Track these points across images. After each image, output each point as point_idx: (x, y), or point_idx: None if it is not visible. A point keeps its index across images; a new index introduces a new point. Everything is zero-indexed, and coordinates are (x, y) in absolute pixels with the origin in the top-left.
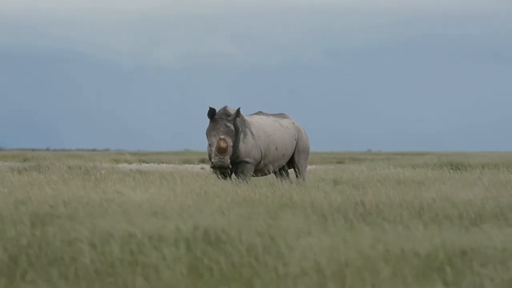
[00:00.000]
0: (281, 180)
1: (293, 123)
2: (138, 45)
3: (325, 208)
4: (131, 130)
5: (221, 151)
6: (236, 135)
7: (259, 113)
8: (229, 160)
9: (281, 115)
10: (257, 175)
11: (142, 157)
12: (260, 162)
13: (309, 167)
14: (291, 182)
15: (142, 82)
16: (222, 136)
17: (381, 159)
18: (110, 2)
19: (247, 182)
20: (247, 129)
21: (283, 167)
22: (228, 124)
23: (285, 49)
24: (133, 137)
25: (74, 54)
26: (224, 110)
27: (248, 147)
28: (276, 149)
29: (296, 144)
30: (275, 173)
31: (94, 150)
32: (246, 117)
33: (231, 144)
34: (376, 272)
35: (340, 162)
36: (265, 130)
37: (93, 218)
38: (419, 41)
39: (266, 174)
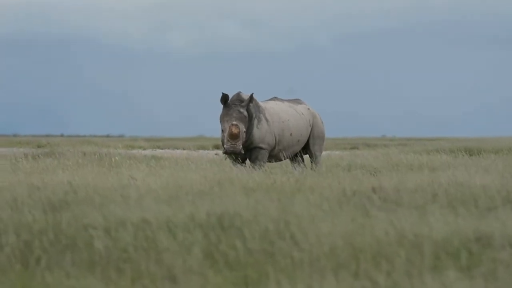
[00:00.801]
0: (296, 166)
1: (308, 108)
2: (150, 29)
3: (340, 193)
4: (145, 116)
5: (233, 136)
6: (249, 121)
7: (274, 98)
8: (241, 146)
9: (296, 101)
10: (271, 161)
11: (156, 143)
12: (274, 148)
13: (323, 153)
14: (305, 168)
15: (155, 67)
16: (234, 122)
17: (395, 145)
18: None
19: (261, 168)
20: (261, 115)
21: (298, 153)
22: (241, 110)
23: (297, 34)
24: (147, 123)
25: (86, 39)
26: (238, 96)
27: (262, 132)
28: (291, 135)
29: (311, 130)
30: (290, 159)
31: (108, 136)
32: (260, 103)
33: (244, 130)
34: (390, 257)
35: (354, 148)
36: (279, 115)
37: (107, 204)
38: (431, 25)
39: (280, 160)
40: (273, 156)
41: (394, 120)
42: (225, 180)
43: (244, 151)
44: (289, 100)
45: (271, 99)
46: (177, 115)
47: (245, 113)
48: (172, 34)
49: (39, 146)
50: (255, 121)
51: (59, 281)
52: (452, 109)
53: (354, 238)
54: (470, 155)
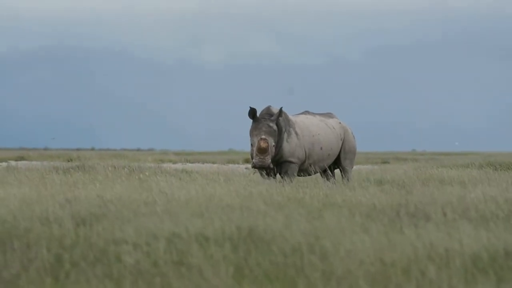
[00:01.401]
0: (326, 180)
1: (340, 123)
2: (181, 43)
3: (370, 208)
4: (175, 129)
5: (261, 151)
6: (279, 134)
7: (306, 112)
8: (270, 160)
9: (328, 115)
10: (301, 175)
11: (186, 156)
12: (304, 162)
13: (354, 167)
14: (335, 183)
15: (186, 81)
16: (263, 136)
17: (425, 159)
18: (153, 1)
19: (291, 182)
20: (291, 129)
21: (329, 167)
22: (271, 124)
23: (329, 47)
24: (177, 137)
25: (118, 53)
26: (268, 110)
27: (292, 146)
28: (321, 149)
29: (342, 144)
30: (320, 173)
31: (138, 149)
32: (291, 117)
33: (273, 144)
34: (421, 272)
35: (385, 162)
36: (310, 129)
37: (138, 218)
38: (462, 37)
39: (310, 174)
40: (303, 170)
41: (425, 133)
42: (255, 194)
43: (274, 165)
44: (320, 114)
45: (302, 113)
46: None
47: (275, 127)
48: (203, 48)
49: (69, 160)
50: (285, 135)
51: None
52: (484, 122)
53: (384, 253)
54: (501, 169)
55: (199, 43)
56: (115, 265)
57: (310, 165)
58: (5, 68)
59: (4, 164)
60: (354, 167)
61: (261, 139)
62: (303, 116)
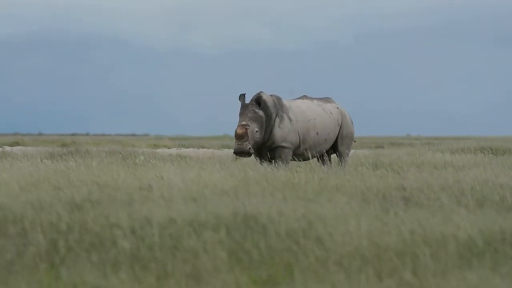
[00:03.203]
0: (323, 165)
1: (337, 107)
2: (173, 30)
3: (365, 192)
4: (169, 115)
5: (238, 137)
6: (268, 120)
7: (303, 97)
8: (249, 146)
9: (326, 99)
10: (298, 160)
11: (181, 142)
12: (299, 146)
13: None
14: (331, 167)
15: (179, 67)
16: (243, 122)
17: (420, 144)
18: None
19: (286, 166)
20: (284, 114)
21: (326, 152)
22: (257, 110)
23: (320, 33)
24: (172, 122)
25: (112, 40)
26: (257, 96)
27: (285, 132)
28: (317, 134)
29: (340, 129)
30: (317, 158)
31: (133, 135)
32: (285, 102)
33: (256, 130)
34: (416, 256)
35: (379, 146)
36: (305, 114)
37: (133, 203)
38: (455, 23)
39: (307, 159)
40: (299, 155)
41: (419, 118)
42: (250, 179)
43: (267, 150)
44: (318, 99)
45: (299, 98)
46: (202, 114)
47: (261, 113)
48: (194, 34)
49: (64, 145)
50: (277, 121)
51: (85, 280)
52: (477, 107)
53: (379, 237)
54: (496, 154)
55: (189, 30)
56: (110, 250)
57: (306, 150)
58: (3, 54)
59: None
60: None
61: (240, 125)
62: (300, 101)
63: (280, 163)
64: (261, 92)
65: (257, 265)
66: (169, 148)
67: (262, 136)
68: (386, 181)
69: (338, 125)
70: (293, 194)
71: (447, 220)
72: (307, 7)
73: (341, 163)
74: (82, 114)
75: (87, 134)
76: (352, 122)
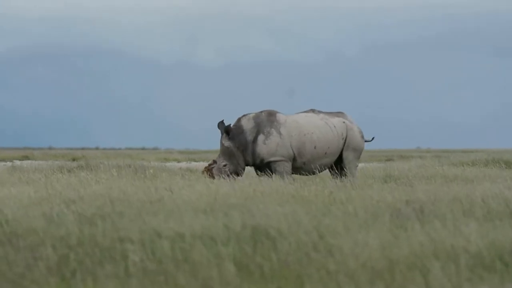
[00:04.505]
0: (333, 178)
1: (344, 122)
2: (180, 43)
3: (375, 205)
4: (178, 128)
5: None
6: (244, 144)
7: (310, 110)
8: (232, 170)
9: (335, 114)
10: (300, 173)
11: (191, 155)
12: (296, 160)
13: (358, 165)
14: (342, 180)
15: (185, 79)
16: (206, 165)
17: (430, 157)
18: (148, 1)
19: (284, 178)
20: (272, 130)
21: (335, 165)
22: (223, 142)
23: (325, 44)
24: (182, 136)
25: (120, 53)
26: (226, 126)
27: (272, 147)
28: (315, 147)
29: (345, 142)
30: (329, 170)
31: (143, 148)
32: (281, 116)
33: (224, 164)
34: (426, 269)
35: (389, 159)
36: (301, 129)
37: (143, 217)
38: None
39: (311, 173)
40: (298, 168)
41: (428, 130)
42: (260, 192)
43: (257, 168)
44: (326, 113)
45: (306, 111)
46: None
47: (227, 143)
48: (200, 47)
49: (74, 159)
50: (260, 138)
51: None
52: (487, 119)
53: (389, 250)
54: (508, 166)
55: (197, 42)
56: (120, 263)
57: (305, 164)
58: (8, 67)
59: (9, 163)
60: (359, 165)
61: (203, 169)
62: (303, 114)
63: (278, 175)
64: (242, 117)
65: (268, 278)
66: (178, 161)
67: (238, 162)
68: (396, 194)
69: (342, 139)
70: (304, 207)
71: (458, 233)
72: (312, 18)
73: (350, 176)
74: (92, 128)
75: (97, 148)
76: (362, 136)
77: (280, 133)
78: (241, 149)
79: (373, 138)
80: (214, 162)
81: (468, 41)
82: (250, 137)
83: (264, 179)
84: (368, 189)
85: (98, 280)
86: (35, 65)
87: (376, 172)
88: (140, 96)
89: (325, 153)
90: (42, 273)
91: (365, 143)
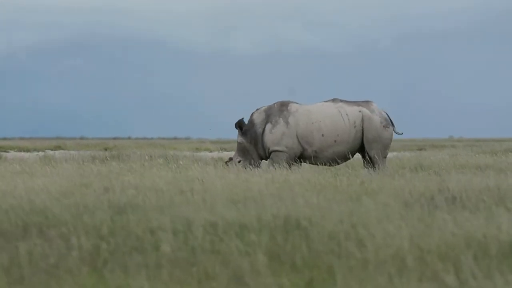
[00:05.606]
0: (367, 168)
1: (360, 111)
2: (213, 32)
3: (407, 195)
4: (211, 118)
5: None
6: (256, 137)
7: (334, 99)
8: (247, 163)
9: (358, 103)
10: (319, 163)
11: (223, 145)
12: (306, 149)
13: (390, 154)
14: (372, 171)
15: (219, 69)
16: (226, 160)
17: (462, 146)
18: None
19: (280, 169)
20: (280, 119)
21: (363, 156)
22: (237, 138)
23: (359, 34)
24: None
25: (152, 43)
26: (238, 120)
27: (276, 136)
28: (323, 135)
29: (364, 133)
30: (363, 162)
31: (175, 138)
32: (294, 106)
33: (238, 160)
34: (458, 259)
35: (421, 149)
36: (310, 117)
37: (174, 207)
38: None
39: (332, 162)
40: (310, 157)
41: (461, 119)
42: (292, 181)
43: (268, 156)
44: (348, 102)
45: (328, 100)
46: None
47: (240, 139)
48: (235, 37)
49: (106, 149)
50: (268, 127)
51: (126, 283)
52: None
53: (421, 239)
54: None
55: (232, 32)
56: (152, 253)
57: (316, 152)
58: (41, 60)
59: (41, 153)
60: (390, 154)
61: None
62: (319, 104)
63: (274, 166)
64: (255, 111)
65: (299, 268)
66: (210, 151)
67: (253, 157)
68: (428, 183)
69: (354, 127)
70: (335, 196)
71: (489, 222)
72: (346, 9)
73: (377, 167)
74: (124, 118)
75: (129, 138)
76: (386, 126)
77: (287, 123)
78: (253, 143)
79: (402, 133)
80: (230, 159)
81: (502, 31)
82: (260, 130)
83: (297, 169)
84: (400, 178)
85: (130, 270)
86: (68, 56)
87: (407, 161)
88: (173, 86)
89: (335, 141)
90: (74, 263)
91: (398, 133)
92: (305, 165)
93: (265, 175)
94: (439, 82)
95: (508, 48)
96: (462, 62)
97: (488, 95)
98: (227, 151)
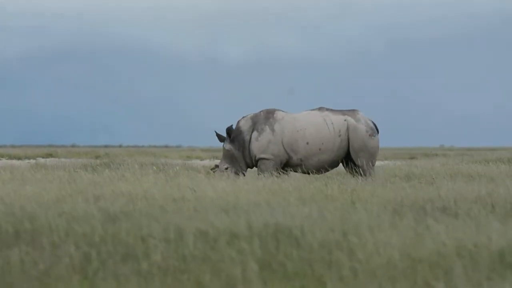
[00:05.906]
0: (353, 177)
1: (345, 120)
2: (202, 40)
3: (398, 203)
4: (202, 126)
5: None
6: (243, 144)
7: (320, 108)
8: (232, 170)
9: (343, 112)
10: (305, 172)
11: (214, 153)
12: (291, 157)
13: (381, 162)
14: (365, 179)
15: (209, 77)
16: (212, 167)
17: (453, 155)
18: None
19: (265, 177)
20: (265, 126)
21: (350, 164)
22: (224, 146)
23: (351, 42)
24: (204, 133)
25: (141, 51)
26: (228, 127)
27: (262, 144)
28: (307, 143)
29: (350, 142)
30: (345, 170)
31: (166, 146)
32: (280, 114)
33: (225, 167)
34: (449, 268)
35: (413, 157)
36: (295, 125)
37: (166, 215)
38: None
39: (318, 171)
40: (298, 166)
41: (452, 128)
42: (282, 190)
43: (255, 165)
44: (334, 110)
45: (315, 109)
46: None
47: (228, 146)
48: (224, 44)
49: (97, 157)
50: (254, 135)
51: None
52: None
53: (412, 248)
54: None
55: (221, 39)
56: (143, 261)
57: (301, 160)
58: (32, 67)
59: (32, 161)
60: (382, 162)
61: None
62: (304, 112)
63: (261, 174)
64: (241, 118)
65: (290, 276)
66: (201, 159)
67: (240, 165)
68: (419, 192)
69: (339, 136)
70: (326, 205)
71: (480, 231)
72: (338, 16)
73: (365, 176)
74: (115, 126)
75: (120, 146)
76: (372, 135)
77: (273, 130)
78: (241, 150)
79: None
80: (216, 166)
81: (493, 39)
82: (247, 137)
83: (288, 177)
84: (391, 187)
85: (121, 278)
86: (59, 63)
87: (399, 170)
88: (163, 94)
89: (320, 149)
90: (65, 271)
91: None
92: (296, 174)
93: (256, 183)
94: (430, 90)
95: (500, 56)
96: (453, 70)
97: (479, 104)
98: (218, 159)
